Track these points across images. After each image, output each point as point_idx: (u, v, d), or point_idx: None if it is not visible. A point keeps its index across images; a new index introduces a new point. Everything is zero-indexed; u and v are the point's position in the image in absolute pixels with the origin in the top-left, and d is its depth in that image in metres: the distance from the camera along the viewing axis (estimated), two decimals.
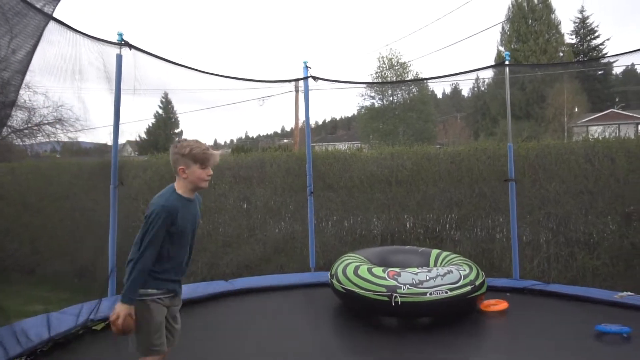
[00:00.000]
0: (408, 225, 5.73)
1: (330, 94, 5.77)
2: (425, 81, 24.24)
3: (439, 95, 47.14)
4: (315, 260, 5.03)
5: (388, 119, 26.04)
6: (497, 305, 3.54)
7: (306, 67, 5.23)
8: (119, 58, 3.79)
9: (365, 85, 23.86)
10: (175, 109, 33.79)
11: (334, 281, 3.67)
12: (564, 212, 4.97)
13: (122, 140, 4.18)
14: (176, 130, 34.78)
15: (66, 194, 7.17)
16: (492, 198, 5.19)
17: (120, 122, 3.88)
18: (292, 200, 6.15)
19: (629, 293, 3.67)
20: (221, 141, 46.97)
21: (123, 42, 3.79)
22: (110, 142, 4.09)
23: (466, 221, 5.44)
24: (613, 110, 30.09)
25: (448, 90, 52.94)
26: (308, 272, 4.92)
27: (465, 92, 45.34)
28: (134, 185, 6.63)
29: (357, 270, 3.54)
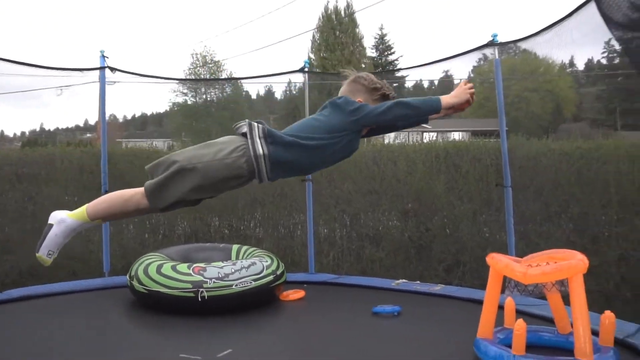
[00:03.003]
0: (213, 225, 5.72)
1: (139, 88, 5.46)
2: (239, 81, 24.48)
3: (253, 96, 47.96)
4: (110, 264, 4.71)
5: (201, 117, 25.64)
6: (295, 294, 3.76)
7: (103, 57, 4.84)
8: None
9: (177, 82, 23.11)
10: None
11: (134, 282, 3.47)
12: (356, 210, 5.46)
13: None
14: None
15: None
16: (293, 198, 5.47)
17: None
18: (86, 201, 5.63)
19: (404, 280, 4.16)
20: (10, 133, 40.94)
21: None
22: None
23: (269, 220, 5.65)
24: None
25: (262, 92, 54.14)
26: (102, 277, 4.59)
27: (278, 94, 46.90)
28: None
29: (160, 269, 3.42)
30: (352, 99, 2.29)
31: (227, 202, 5.62)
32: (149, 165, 2.22)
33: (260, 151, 2.11)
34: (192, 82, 28.15)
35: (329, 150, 2.22)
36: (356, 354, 2.66)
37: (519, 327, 2.19)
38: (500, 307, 2.56)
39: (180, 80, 22.20)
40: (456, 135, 28.29)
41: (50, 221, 2.24)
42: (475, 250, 5.02)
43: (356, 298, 3.75)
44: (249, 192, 5.63)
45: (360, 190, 5.45)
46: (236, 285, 3.33)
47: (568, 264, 2.20)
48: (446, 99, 2.23)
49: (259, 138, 2.12)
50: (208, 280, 3.31)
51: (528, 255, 2.54)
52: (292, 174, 2.34)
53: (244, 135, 2.17)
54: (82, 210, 2.21)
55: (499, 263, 2.40)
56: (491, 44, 4.01)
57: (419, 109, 2.22)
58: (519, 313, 2.68)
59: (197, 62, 26.90)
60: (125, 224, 5.75)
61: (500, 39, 4.01)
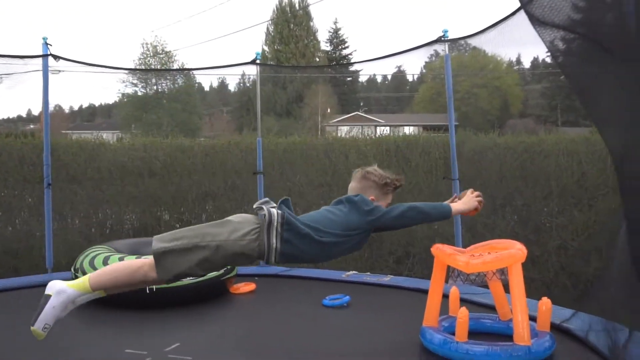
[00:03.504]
0: (163, 219, 5.61)
1: (87, 77, 5.24)
2: (191, 72, 23.99)
3: (206, 88, 47.19)
4: (54, 260, 4.54)
5: (152, 108, 25.04)
6: (246, 287, 3.78)
7: (46, 44, 4.64)
8: None
9: (127, 72, 22.45)
10: None
11: (79, 275, 3.36)
12: (307, 203, 5.47)
13: None
14: None
15: None
16: (244, 190, 5.43)
17: None
18: (28, 194, 5.45)
19: (354, 272, 4.22)
20: None
21: None
22: None
23: (220, 212, 5.58)
24: (358, 113, 34.32)
25: (215, 84, 53.24)
26: (44, 273, 4.42)
27: (231, 87, 46.21)
28: None
29: (107, 261, 3.33)
30: (367, 199, 2.33)
31: (177, 195, 5.52)
32: (157, 237, 2.15)
33: (274, 241, 2.11)
34: (142, 72, 27.41)
35: (340, 247, 2.25)
36: (306, 345, 2.69)
37: (462, 315, 2.27)
38: (446, 296, 2.64)
39: (129, 70, 21.51)
40: (407, 129, 28.83)
41: (47, 291, 2.05)
42: (425, 241, 5.12)
43: (307, 290, 3.78)
44: (200, 185, 5.55)
45: (312, 183, 5.47)
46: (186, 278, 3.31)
47: (508, 253, 2.29)
48: (456, 207, 2.32)
49: (277, 224, 2.11)
50: None
51: (471, 246, 2.62)
52: (299, 261, 2.34)
53: (261, 213, 2.16)
54: (84, 281, 2.10)
55: (443, 253, 2.47)
56: (441, 40, 4.09)
57: (429, 215, 2.30)
58: (463, 301, 2.77)
59: (148, 52, 26.28)
60: (70, 217, 5.56)
61: (453, 35, 4.09)
